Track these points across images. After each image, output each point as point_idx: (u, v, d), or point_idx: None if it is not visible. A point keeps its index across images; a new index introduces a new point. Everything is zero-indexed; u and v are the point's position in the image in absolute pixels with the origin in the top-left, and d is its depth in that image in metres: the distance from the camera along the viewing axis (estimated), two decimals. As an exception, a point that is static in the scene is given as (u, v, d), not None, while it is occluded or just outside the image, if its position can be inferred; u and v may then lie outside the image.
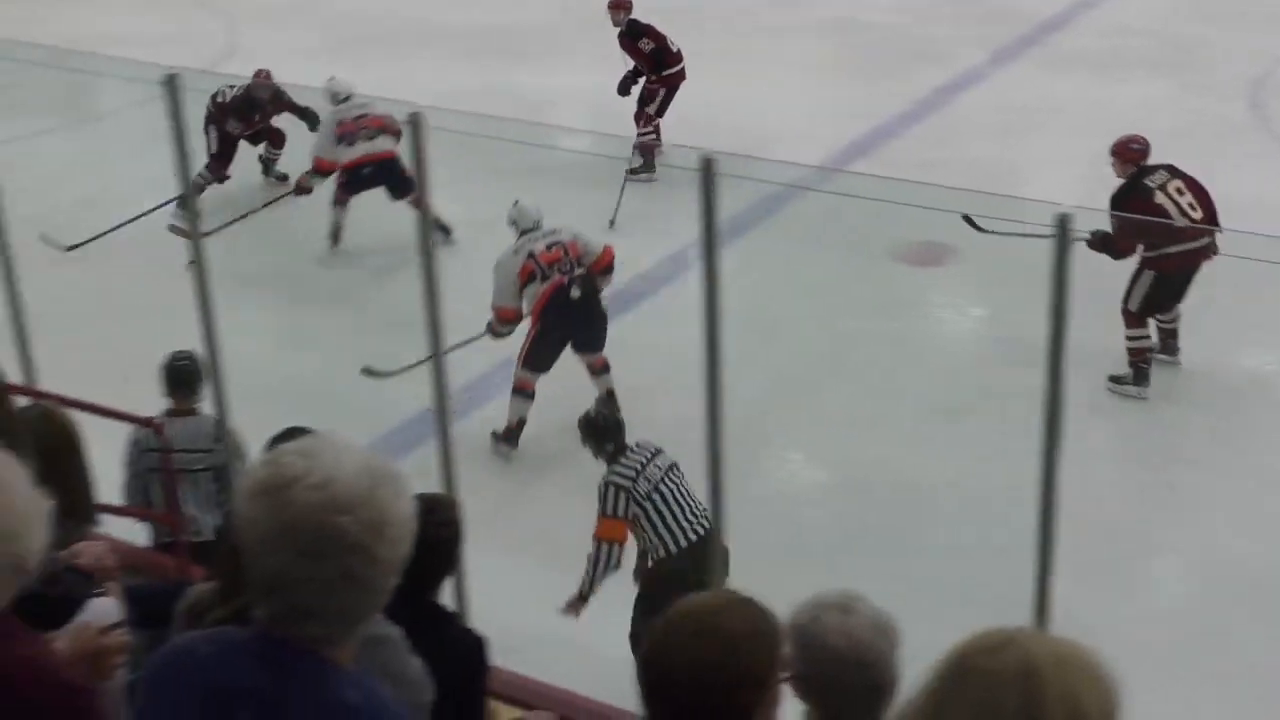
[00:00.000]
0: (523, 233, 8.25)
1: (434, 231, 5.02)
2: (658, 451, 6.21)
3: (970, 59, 14.63)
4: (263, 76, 11.17)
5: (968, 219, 8.91)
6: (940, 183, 9.58)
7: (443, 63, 14.64)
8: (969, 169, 10.92)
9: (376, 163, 10.36)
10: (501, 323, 8.21)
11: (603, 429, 6.31)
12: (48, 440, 3.60)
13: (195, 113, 5.35)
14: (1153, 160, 8.41)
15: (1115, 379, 8.41)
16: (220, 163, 11.21)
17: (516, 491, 7.71)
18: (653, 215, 10.67)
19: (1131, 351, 8.39)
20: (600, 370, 8.34)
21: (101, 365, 7.75)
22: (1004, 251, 8.58)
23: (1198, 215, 8.18)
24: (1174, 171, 8.37)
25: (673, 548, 5.98)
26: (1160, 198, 8.22)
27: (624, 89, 11.91)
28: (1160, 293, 8.35)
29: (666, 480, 6.10)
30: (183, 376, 6.15)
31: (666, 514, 6.03)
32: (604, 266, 8.29)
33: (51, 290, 7.98)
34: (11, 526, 2.02)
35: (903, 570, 6.36)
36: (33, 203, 9.88)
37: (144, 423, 5.95)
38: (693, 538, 5.98)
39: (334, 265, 10.42)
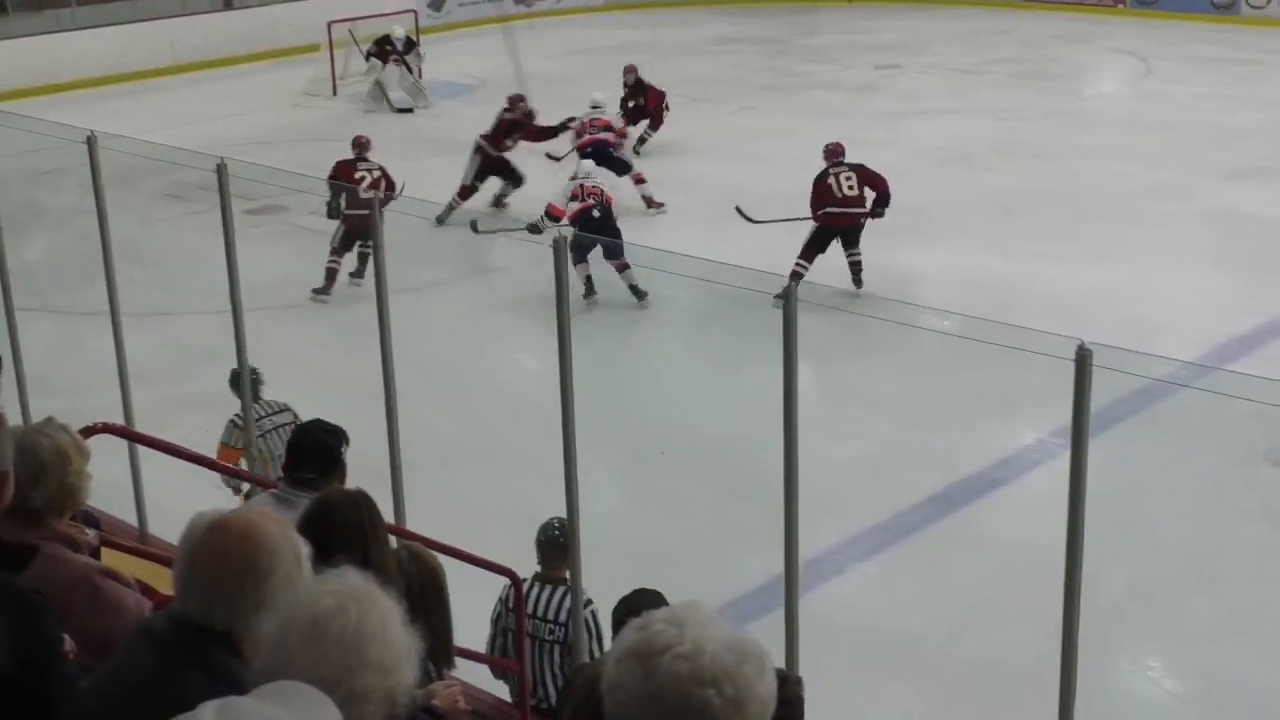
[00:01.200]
0: None
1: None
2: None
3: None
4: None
5: (740, 210, 11.85)
6: (1328, 388, 9.02)
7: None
8: (1363, 375, 10.23)
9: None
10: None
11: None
12: (416, 581, 3.76)
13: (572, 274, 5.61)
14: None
15: None
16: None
17: (862, 679, 7.54)
18: (1016, 399, 10.45)
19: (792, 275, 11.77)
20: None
21: (469, 510, 8.07)
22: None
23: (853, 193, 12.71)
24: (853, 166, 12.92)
25: None
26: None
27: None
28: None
29: None
30: (555, 548, 6.27)
31: None
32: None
33: (426, 432, 8.45)
34: (391, 660, 2.11)
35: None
36: (424, 347, 10.55)
37: (505, 573, 6.12)
38: None
39: (679, 428, 10.61)
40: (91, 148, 7.59)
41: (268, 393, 8.18)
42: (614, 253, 12.55)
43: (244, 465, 7.52)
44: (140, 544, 6.24)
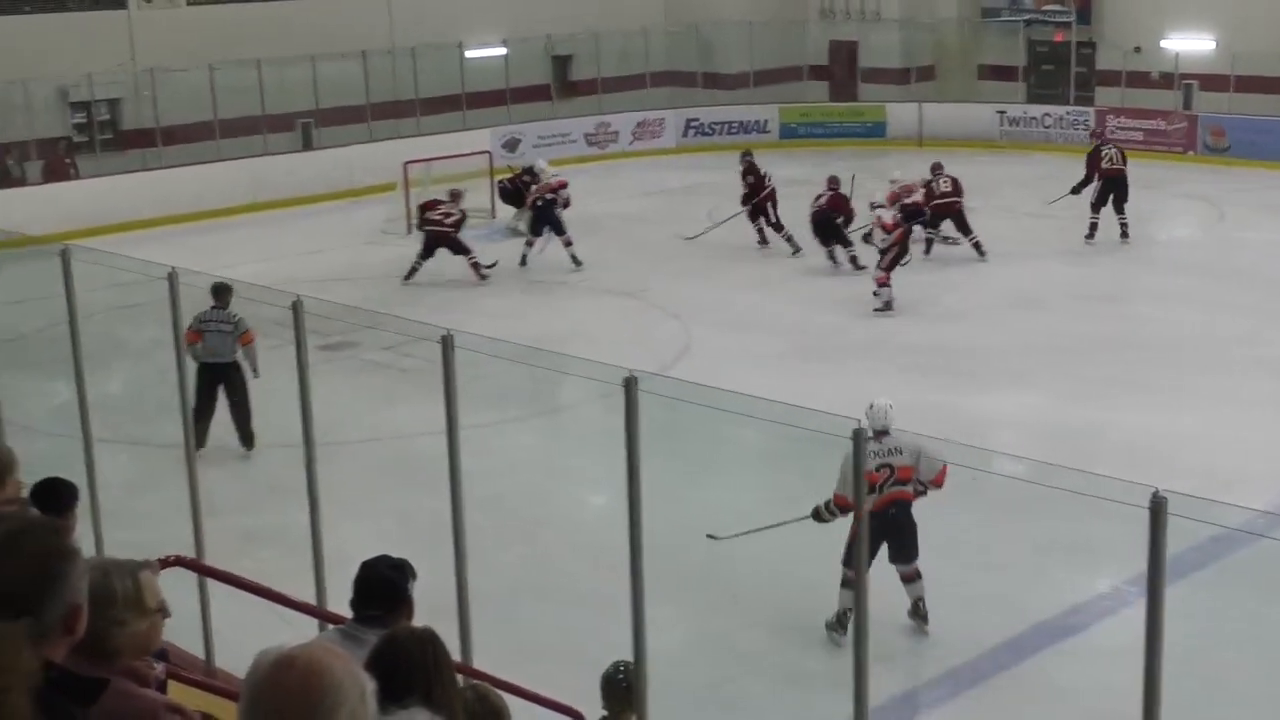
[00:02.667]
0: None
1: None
2: None
3: None
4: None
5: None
6: None
7: (889, 378, 14.85)
8: None
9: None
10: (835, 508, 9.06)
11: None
12: (482, 720, 3.75)
13: (648, 412, 5.64)
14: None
15: None
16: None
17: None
18: (1089, 545, 10.31)
19: None
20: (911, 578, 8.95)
21: (537, 649, 8.03)
22: None
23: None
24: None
25: None
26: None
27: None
28: None
29: None
30: (620, 691, 6.20)
31: None
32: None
33: (494, 569, 8.44)
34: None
35: None
36: (493, 484, 10.58)
37: (571, 714, 6.07)
38: None
39: (748, 571, 10.53)
40: (172, 283, 7.77)
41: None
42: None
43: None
44: (207, 677, 6.26)
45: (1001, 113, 29.78)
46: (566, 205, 20.31)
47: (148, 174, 24.64)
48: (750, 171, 21.16)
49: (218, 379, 12.74)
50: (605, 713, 6.24)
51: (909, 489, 8.98)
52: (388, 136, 26.80)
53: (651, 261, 20.41)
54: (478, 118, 28.38)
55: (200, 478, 7.98)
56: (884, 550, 8.94)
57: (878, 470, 8.92)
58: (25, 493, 5.57)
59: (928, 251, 19.71)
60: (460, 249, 19.17)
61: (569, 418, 14.04)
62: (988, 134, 29.58)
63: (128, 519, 9.72)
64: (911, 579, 9.13)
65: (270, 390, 13.18)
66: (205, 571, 6.86)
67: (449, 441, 6.58)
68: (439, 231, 19.07)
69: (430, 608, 5.35)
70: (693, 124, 30.70)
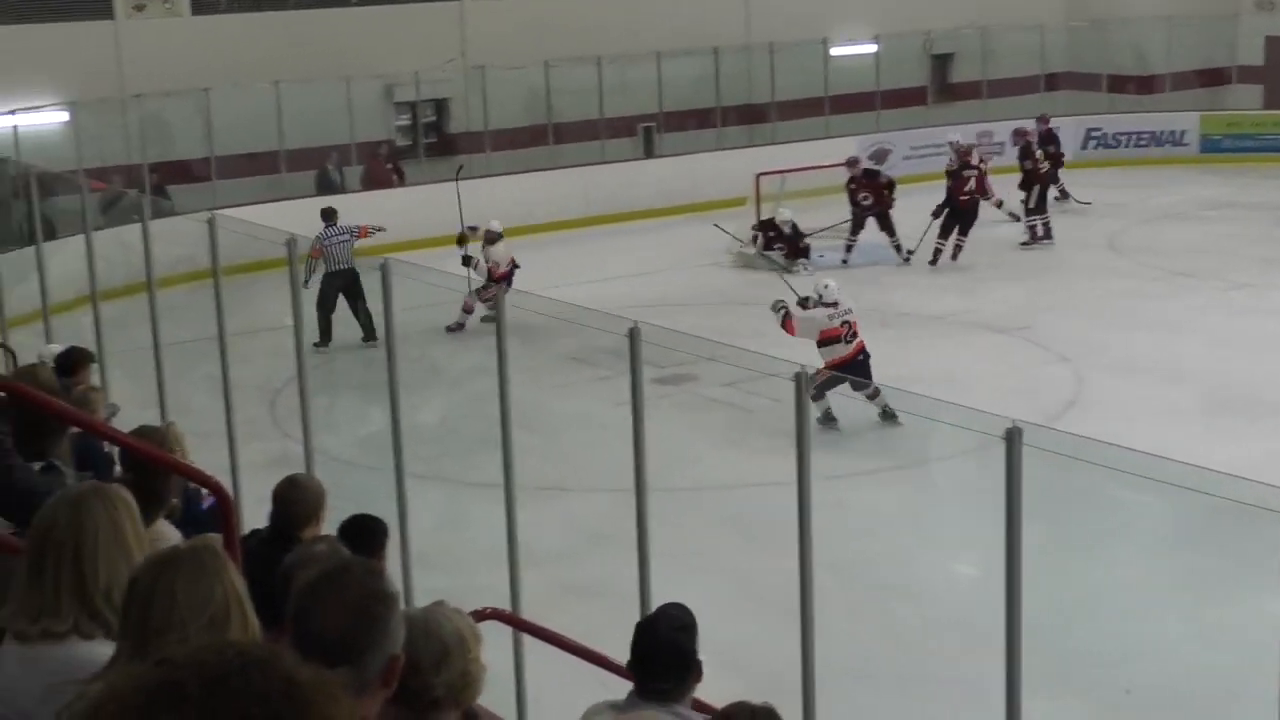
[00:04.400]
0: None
1: None
2: None
3: None
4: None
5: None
6: None
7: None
8: None
9: None
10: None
11: None
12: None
13: (1031, 470, 5.49)
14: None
15: None
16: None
17: None
18: None
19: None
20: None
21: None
22: None
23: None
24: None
25: None
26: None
27: None
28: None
29: None
30: None
31: None
32: None
33: (844, 644, 8.36)
34: None
35: None
36: (846, 546, 10.51)
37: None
38: None
39: (1145, 662, 10.12)
40: (497, 305, 8.01)
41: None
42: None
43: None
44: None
45: None
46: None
47: (474, 182, 25.55)
48: (1027, 155, 22.48)
49: (340, 283, 17.73)
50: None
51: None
52: (738, 144, 27.13)
53: (1035, 292, 20.01)
54: (842, 124, 28.43)
55: (517, 521, 8.18)
56: None
57: (842, 325, 14.61)
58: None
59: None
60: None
61: (938, 472, 13.83)
62: None
63: (438, 563, 10.08)
64: (874, 395, 14.04)
65: (596, 426, 13.49)
66: (521, 626, 7.03)
67: (799, 494, 6.56)
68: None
69: (770, 680, 5.36)
70: (1094, 134, 29.90)
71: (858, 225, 22.20)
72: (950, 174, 22.14)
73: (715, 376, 15.26)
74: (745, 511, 12.37)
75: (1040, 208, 23.02)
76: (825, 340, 14.59)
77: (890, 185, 22.37)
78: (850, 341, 14.66)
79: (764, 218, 22.67)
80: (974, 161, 22.22)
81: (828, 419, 14.41)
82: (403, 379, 9.15)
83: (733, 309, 19.30)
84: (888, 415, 14.37)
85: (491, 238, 19.49)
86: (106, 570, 3.39)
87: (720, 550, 11.69)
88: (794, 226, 22.22)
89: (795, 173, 23.54)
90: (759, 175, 23.22)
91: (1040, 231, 22.89)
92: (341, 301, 17.76)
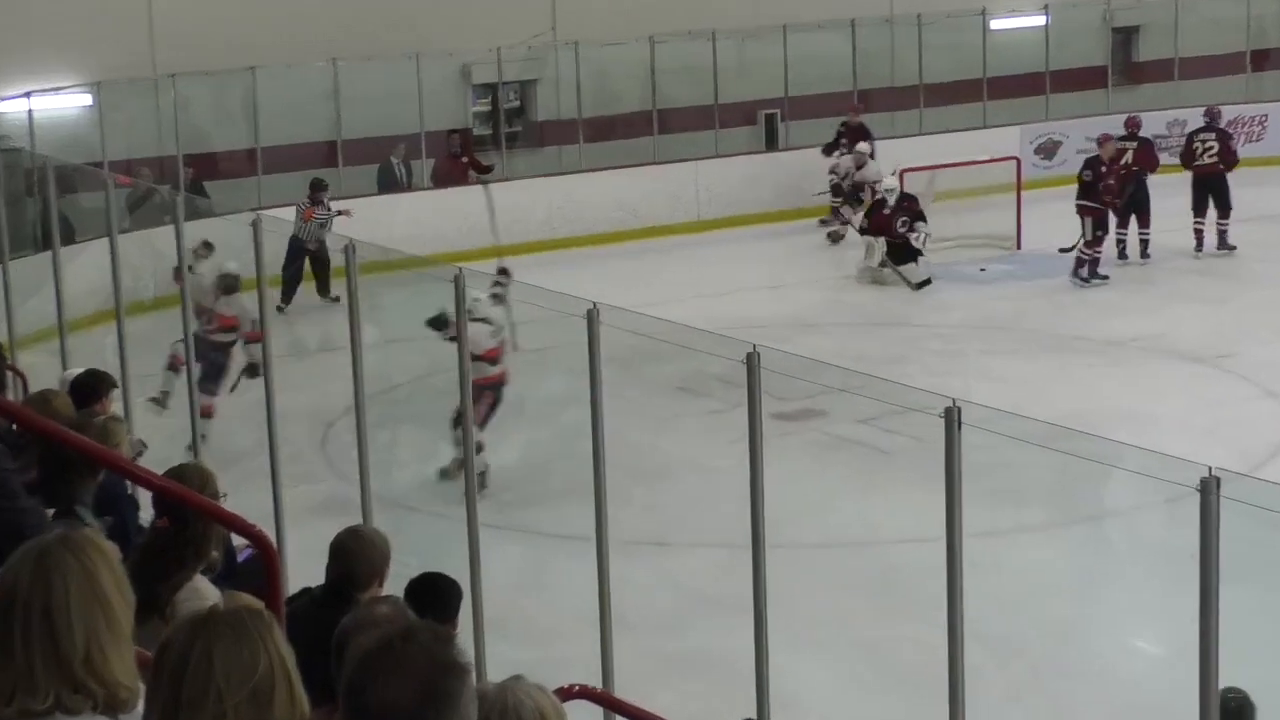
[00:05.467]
0: None
1: None
2: None
3: None
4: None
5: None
6: None
7: None
8: None
9: None
10: None
11: None
12: None
13: (1231, 528, 5.43)
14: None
15: None
16: None
17: None
18: None
19: None
20: None
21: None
22: None
23: None
24: None
25: None
26: None
27: None
28: None
29: None
30: None
31: None
32: None
33: None
34: None
35: None
36: (1002, 614, 10.43)
37: None
38: None
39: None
40: (591, 324, 8.04)
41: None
42: None
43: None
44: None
45: None
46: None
47: (565, 178, 25.65)
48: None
49: (306, 254, 21.04)
50: None
51: None
52: (879, 135, 27.06)
53: (1237, 312, 19.85)
54: (1002, 111, 28.31)
55: (610, 581, 8.20)
56: None
57: None
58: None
59: None
60: None
61: (1115, 529, 13.71)
62: None
63: (517, 630, 10.11)
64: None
65: (706, 469, 13.47)
66: (614, 706, 7.03)
67: (948, 552, 6.53)
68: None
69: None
70: (1310, 123, 29.51)
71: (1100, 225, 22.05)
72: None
73: (848, 411, 15.21)
74: (882, 573, 12.32)
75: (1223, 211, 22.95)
76: None
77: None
78: None
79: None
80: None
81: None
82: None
83: (869, 331, 19.28)
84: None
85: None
86: (84, 632, 3.31)
87: (852, 618, 11.64)
88: (901, 197, 22.24)
89: (946, 169, 23.44)
90: (902, 171, 23.14)
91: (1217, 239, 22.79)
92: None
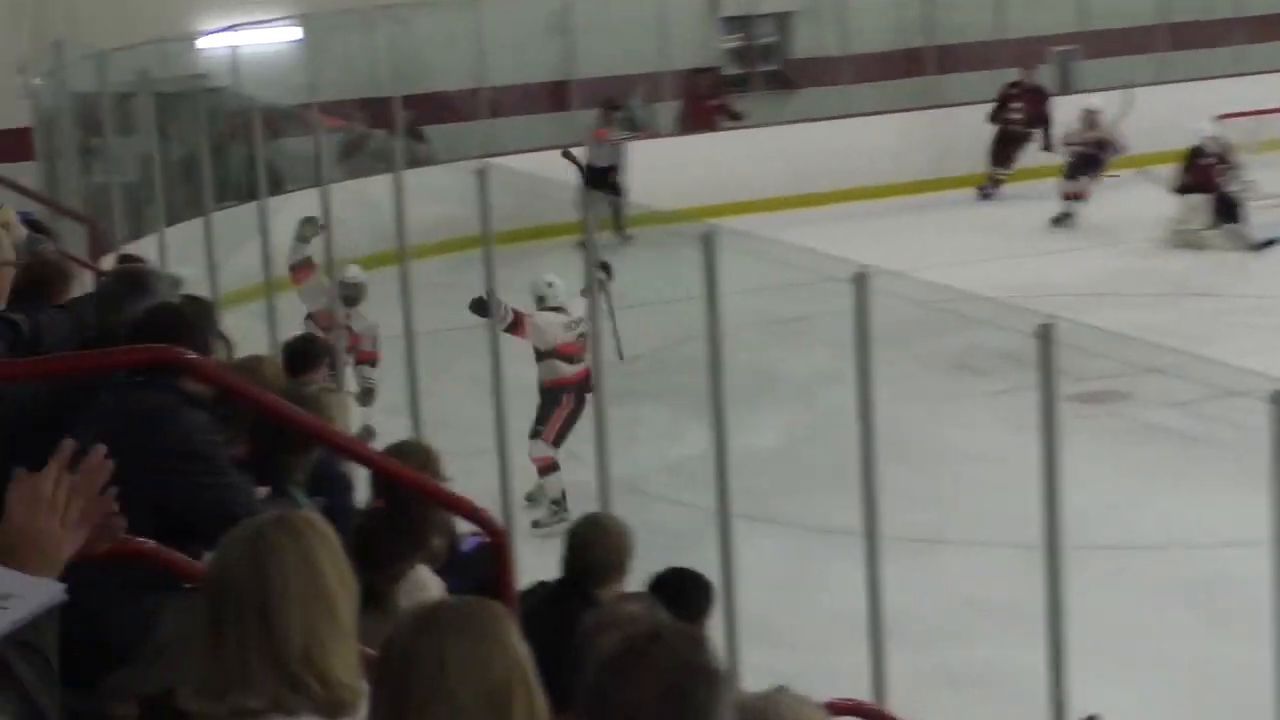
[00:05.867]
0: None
1: None
2: None
3: None
4: None
5: None
6: None
7: None
8: None
9: None
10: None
11: None
12: None
13: None
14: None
15: None
16: None
17: None
18: None
19: None
20: None
21: None
22: None
23: None
24: None
25: None
26: None
27: None
28: None
29: None
30: None
31: None
32: None
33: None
34: None
35: None
36: None
37: None
38: None
39: None
40: (860, 290, 7.95)
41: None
42: None
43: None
44: None
45: None
46: None
47: (821, 125, 25.52)
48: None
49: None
50: None
51: None
52: (1188, 75, 26.56)
53: None
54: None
55: (883, 582, 8.13)
56: None
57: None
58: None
59: None
60: None
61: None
62: None
63: (776, 634, 10.09)
64: None
65: (990, 459, 13.33)
66: (889, 725, 7.01)
67: (1275, 559, 6.39)
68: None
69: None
70: None
71: None
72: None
73: (1158, 394, 15.00)
74: (1202, 580, 12.08)
75: None
76: None
77: None
78: None
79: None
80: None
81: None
82: (729, 388, 9.16)
83: (1179, 302, 18.95)
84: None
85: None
86: (304, 625, 3.31)
87: (1162, 634, 11.44)
88: (1225, 150, 21.93)
89: (1274, 114, 23.02)
90: (1220, 118, 22.71)
91: None
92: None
